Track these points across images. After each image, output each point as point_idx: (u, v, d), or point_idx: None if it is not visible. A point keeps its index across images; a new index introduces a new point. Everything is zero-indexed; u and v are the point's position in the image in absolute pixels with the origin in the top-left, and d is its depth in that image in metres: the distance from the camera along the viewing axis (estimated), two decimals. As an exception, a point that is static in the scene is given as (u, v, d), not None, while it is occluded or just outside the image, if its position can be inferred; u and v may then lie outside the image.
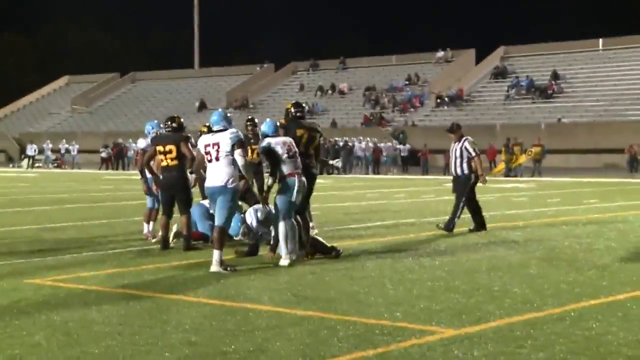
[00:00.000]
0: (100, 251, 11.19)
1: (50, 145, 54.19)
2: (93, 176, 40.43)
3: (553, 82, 53.11)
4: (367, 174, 43.00)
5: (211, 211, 10.78)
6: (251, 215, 10.48)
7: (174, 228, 11.56)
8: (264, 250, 10.41)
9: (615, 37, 56.33)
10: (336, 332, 6.30)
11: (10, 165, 57.41)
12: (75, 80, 79.37)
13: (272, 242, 10.14)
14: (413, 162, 44.74)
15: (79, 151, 53.27)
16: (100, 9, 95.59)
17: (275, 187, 10.06)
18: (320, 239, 10.61)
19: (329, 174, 39.66)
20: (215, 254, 9.27)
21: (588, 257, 10.36)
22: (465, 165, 13.49)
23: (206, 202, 11.69)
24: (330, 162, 30.14)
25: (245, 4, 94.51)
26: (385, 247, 11.47)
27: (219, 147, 9.59)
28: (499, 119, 50.85)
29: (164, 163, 11.18)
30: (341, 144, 44.54)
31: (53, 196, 23.48)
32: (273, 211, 10.12)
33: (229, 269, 9.22)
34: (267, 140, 10.07)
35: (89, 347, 5.92)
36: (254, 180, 12.90)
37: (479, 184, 13.66)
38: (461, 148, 13.48)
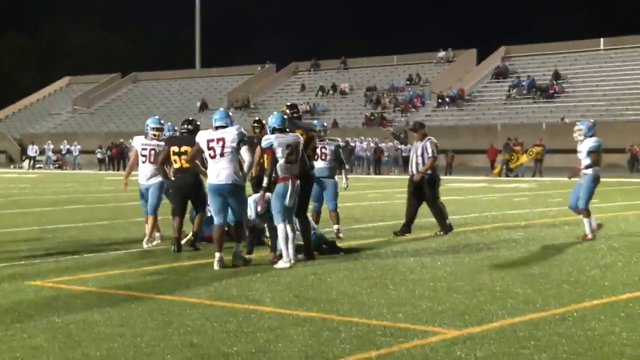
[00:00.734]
0: (102, 252, 11.17)
1: (52, 146, 54.23)
2: (94, 177, 40.44)
3: (554, 82, 53.09)
4: (368, 174, 42.99)
5: (209, 208, 10.58)
6: (250, 208, 10.42)
7: (189, 234, 11.55)
8: (264, 251, 10.41)
9: (616, 37, 56.25)
10: (338, 333, 6.29)
11: (12, 166, 57.45)
12: (76, 80, 79.42)
13: (271, 243, 10.16)
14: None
15: (80, 152, 53.32)
16: (101, 9, 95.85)
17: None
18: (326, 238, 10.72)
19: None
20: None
21: (590, 257, 10.36)
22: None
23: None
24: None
25: (246, 4, 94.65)
26: (386, 248, 11.46)
27: (224, 143, 9.54)
28: (500, 118, 50.85)
29: (178, 164, 11.16)
30: (342, 144, 44.46)
31: (54, 197, 23.49)
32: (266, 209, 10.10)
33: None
34: (271, 138, 9.89)
35: (91, 349, 5.91)
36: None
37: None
38: (423, 147, 13.38)
